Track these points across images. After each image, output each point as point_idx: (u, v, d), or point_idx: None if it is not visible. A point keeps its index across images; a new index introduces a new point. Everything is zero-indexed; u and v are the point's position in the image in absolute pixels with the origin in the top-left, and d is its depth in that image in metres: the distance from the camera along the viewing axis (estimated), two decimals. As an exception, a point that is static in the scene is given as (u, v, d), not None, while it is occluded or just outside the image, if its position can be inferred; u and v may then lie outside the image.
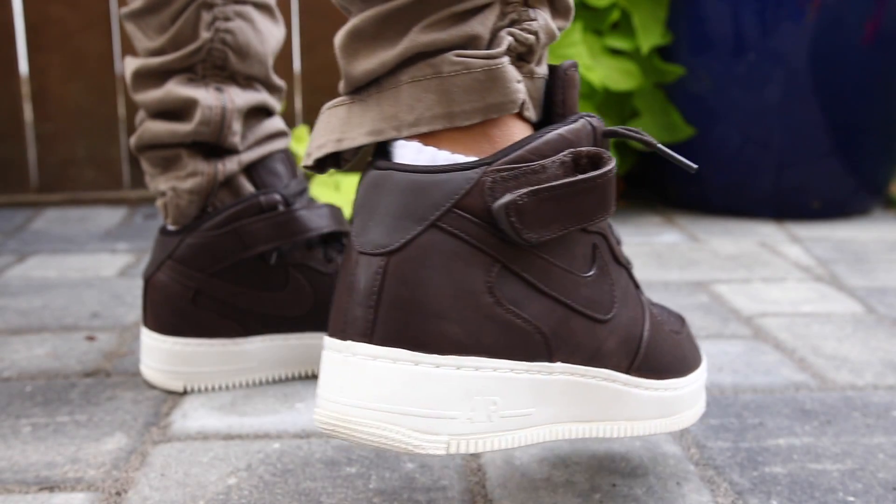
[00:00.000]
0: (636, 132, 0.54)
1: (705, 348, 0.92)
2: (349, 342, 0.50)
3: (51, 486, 0.63)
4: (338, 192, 1.49)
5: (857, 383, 0.83)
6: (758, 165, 1.53)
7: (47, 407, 0.77)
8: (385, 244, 0.50)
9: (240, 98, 0.80)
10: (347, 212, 1.26)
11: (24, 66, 1.64)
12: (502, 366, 0.51)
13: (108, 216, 1.57)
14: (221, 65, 0.79)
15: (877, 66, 1.48)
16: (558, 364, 0.53)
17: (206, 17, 0.77)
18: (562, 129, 0.52)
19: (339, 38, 0.54)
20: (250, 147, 0.82)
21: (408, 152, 0.51)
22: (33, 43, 1.63)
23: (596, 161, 0.52)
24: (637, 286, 0.59)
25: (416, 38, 0.50)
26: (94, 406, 0.77)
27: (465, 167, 0.49)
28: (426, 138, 0.51)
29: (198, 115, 0.77)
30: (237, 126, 0.79)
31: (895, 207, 1.67)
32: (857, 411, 0.77)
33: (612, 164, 0.52)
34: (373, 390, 0.49)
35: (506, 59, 0.50)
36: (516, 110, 0.51)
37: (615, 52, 1.52)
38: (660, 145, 0.54)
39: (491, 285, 0.50)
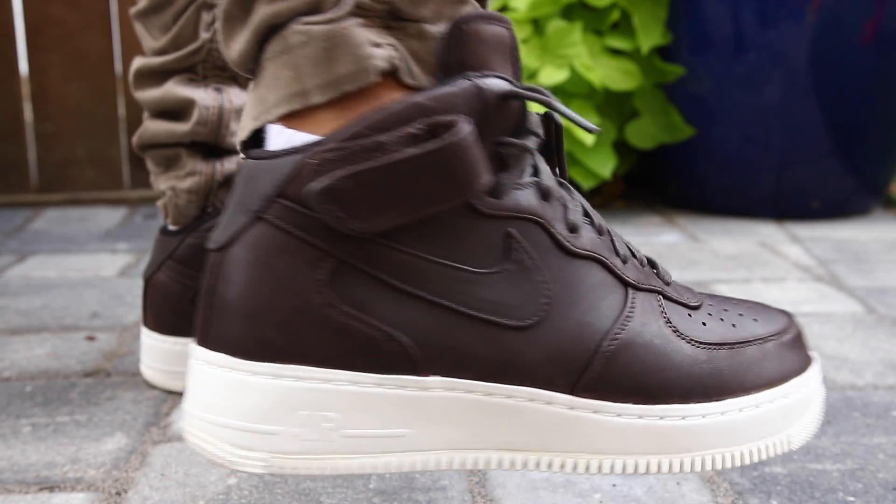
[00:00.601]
0: (538, 91, 0.45)
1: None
2: (191, 345, 0.46)
3: (51, 486, 0.63)
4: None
5: (857, 383, 0.83)
6: (758, 165, 1.53)
7: (47, 407, 0.77)
8: (218, 240, 0.45)
9: (239, 98, 0.80)
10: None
11: (24, 66, 1.64)
12: (337, 377, 0.44)
13: (108, 216, 1.57)
14: (222, 65, 0.79)
15: (877, 66, 1.49)
16: (434, 378, 0.45)
17: (206, 17, 0.77)
18: (420, 97, 0.43)
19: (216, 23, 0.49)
20: None
21: (271, 137, 0.45)
22: (33, 43, 1.63)
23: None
24: (641, 287, 0.49)
25: (263, 9, 0.44)
26: (94, 406, 0.77)
27: (294, 151, 0.43)
28: (291, 120, 0.45)
29: (195, 115, 0.77)
30: (236, 126, 0.79)
31: (895, 207, 1.67)
32: (857, 411, 0.77)
33: (454, 135, 0.42)
34: (200, 398, 0.45)
35: (351, 22, 0.43)
36: (372, 80, 0.43)
37: (615, 52, 1.52)
38: (560, 105, 0.46)
39: (321, 284, 0.43)
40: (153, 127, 0.80)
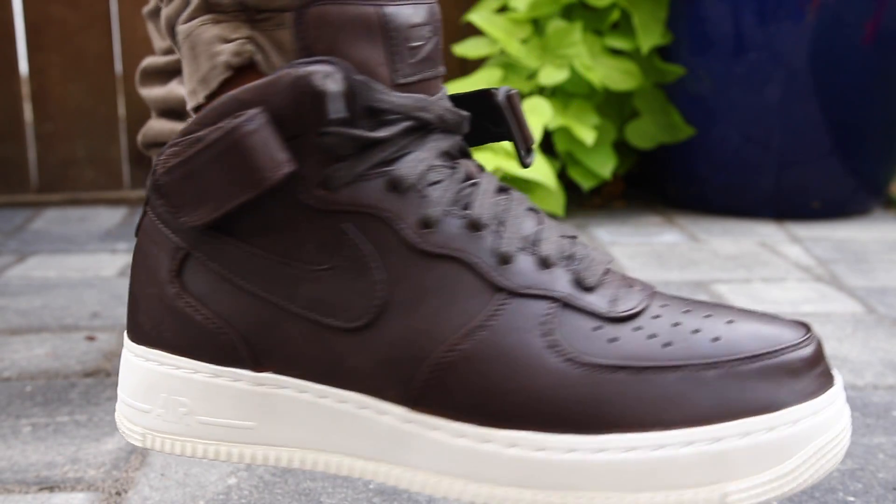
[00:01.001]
0: (365, 83, 0.41)
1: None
2: None
3: (51, 486, 0.63)
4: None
5: (857, 383, 0.83)
6: (758, 165, 1.53)
7: (47, 407, 0.77)
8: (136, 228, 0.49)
9: None
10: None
11: (24, 66, 1.64)
12: (184, 365, 0.45)
13: (108, 216, 1.57)
14: None
15: (877, 66, 1.48)
16: (267, 375, 0.44)
17: None
18: (239, 90, 0.41)
19: None
20: None
21: None
22: (33, 43, 1.63)
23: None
24: (521, 293, 0.41)
25: (164, 11, 0.47)
26: (94, 406, 0.77)
27: (167, 145, 0.44)
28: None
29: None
30: None
31: (895, 207, 1.67)
32: (857, 411, 0.77)
33: (231, 126, 0.40)
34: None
35: (203, 19, 0.44)
36: (222, 75, 0.43)
37: (615, 52, 1.52)
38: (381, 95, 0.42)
39: (174, 273, 0.45)
40: (157, 126, 0.80)
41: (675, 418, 0.38)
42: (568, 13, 1.51)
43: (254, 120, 0.40)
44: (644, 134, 1.55)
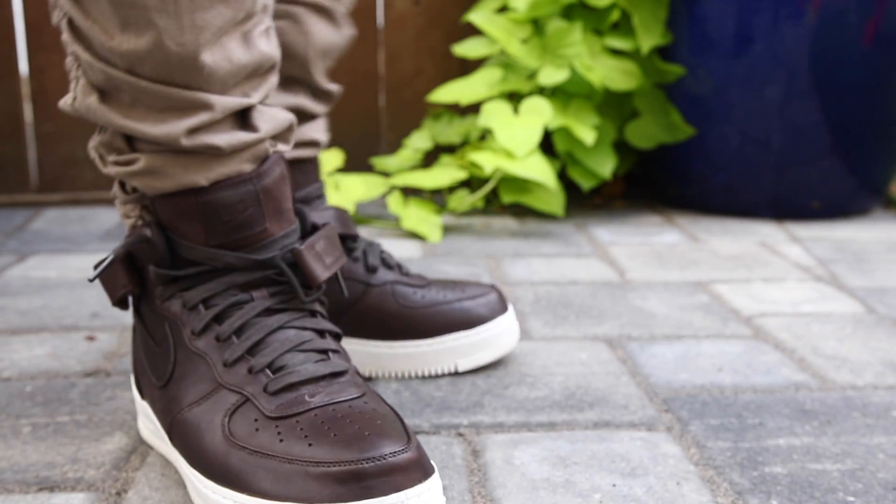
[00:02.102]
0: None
1: (705, 348, 0.92)
2: None
3: (51, 486, 0.63)
4: (338, 191, 1.49)
5: (857, 383, 0.83)
6: (758, 165, 1.53)
7: (47, 407, 0.77)
8: None
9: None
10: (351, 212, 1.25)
11: (24, 66, 1.64)
12: None
13: (108, 216, 1.58)
14: None
15: (877, 66, 1.48)
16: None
17: None
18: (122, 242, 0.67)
19: None
20: None
21: None
22: (33, 43, 1.62)
23: None
24: (228, 387, 0.60)
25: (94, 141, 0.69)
26: (94, 406, 0.77)
27: None
28: None
29: None
30: None
31: (895, 207, 1.67)
32: (857, 411, 0.77)
33: (110, 257, 0.66)
34: None
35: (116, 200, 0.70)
36: (129, 232, 0.69)
37: (615, 52, 1.52)
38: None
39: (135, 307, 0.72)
40: None
41: (255, 488, 0.55)
42: (568, 13, 1.51)
43: (113, 258, 0.66)
44: (644, 134, 1.55)
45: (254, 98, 0.63)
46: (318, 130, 0.85)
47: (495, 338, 0.84)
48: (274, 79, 0.66)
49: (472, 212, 1.58)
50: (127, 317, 1.01)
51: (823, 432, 0.72)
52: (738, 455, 0.68)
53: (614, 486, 0.63)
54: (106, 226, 1.50)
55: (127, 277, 0.66)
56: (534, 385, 0.81)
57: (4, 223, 1.51)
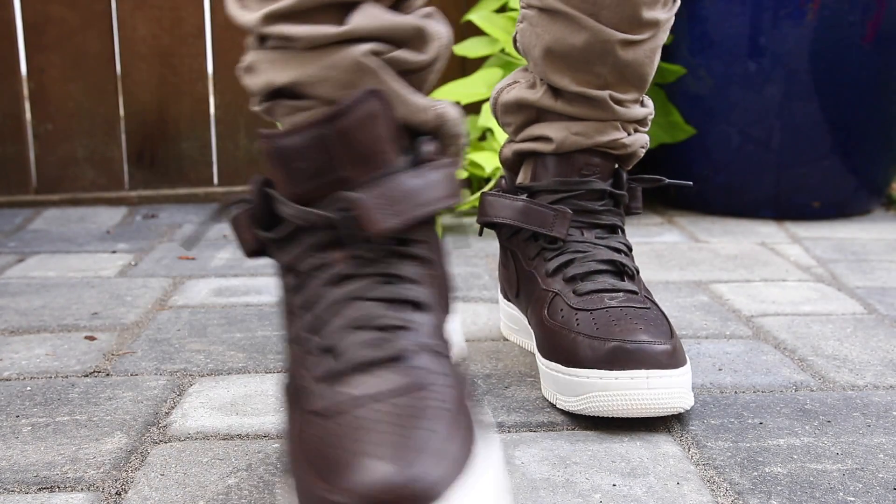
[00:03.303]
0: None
1: (705, 348, 0.92)
2: None
3: (51, 486, 0.63)
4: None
5: (857, 383, 0.83)
6: (758, 165, 1.53)
7: (47, 407, 0.77)
8: None
9: None
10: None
11: (24, 66, 1.64)
12: None
13: (108, 216, 1.57)
14: None
15: (877, 66, 1.48)
16: None
17: None
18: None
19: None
20: None
21: None
22: (33, 43, 1.62)
23: None
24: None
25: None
26: (94, 406, 0.77)
27: None
28: None
29: None
30: None
31: (895, 207, 1.67)
32: (857, 411, 0.77)
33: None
34: None
35: None
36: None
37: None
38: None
39: None
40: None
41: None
42: (568, 13, 1.51)
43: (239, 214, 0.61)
44: (644, 134, 1.55)
45: None
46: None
47: None
48: None
49: (472, 212, 1.58)
50: (127, 317, 1.01)
51: (823, 432, 0.72)
52: (738, 455, 0.68)
53: (614, 486, 0.63)
54: (106, 226, 1.50)
55: (250, 233, 0.60)
56: (534, 385, 0.81)
57: (4, 223, 1.51)
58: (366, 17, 0.55)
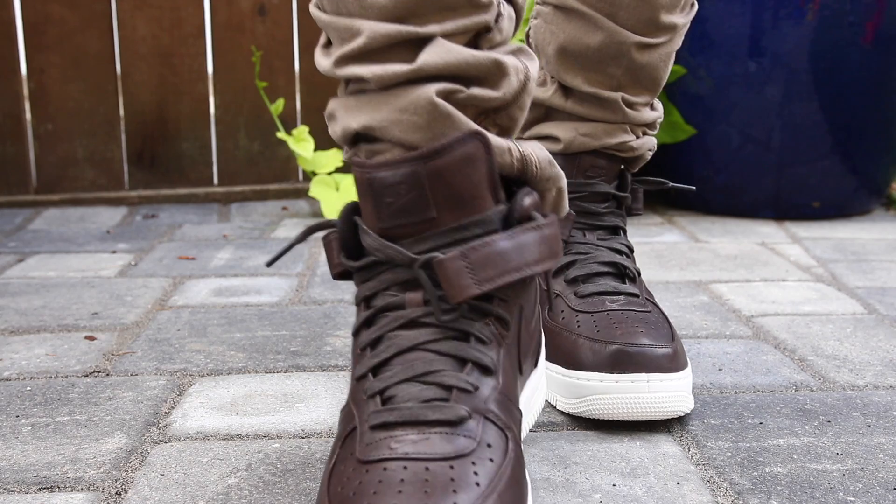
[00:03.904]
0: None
1: (705, 348, 0.92)
2: None
3: (51, 486, 0.63)
4: (337, 192, 1.49)
5: (857, 383, 0.83)
6: (758, 165, 1.53)
7: (47, 407, 0.77)
8: None
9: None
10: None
11: (24, 66, 1.64)
12: None
13: (108, 216, 1.57)
14: None
15: (877, 66, 1.48)
16: None
17: None
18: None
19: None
20: None
21: None
22: (33, 43, 1.63)
23: None
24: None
25: None
26: (94, 406, 0.77)
27: None
28: None
29: None
30: None
31: (895, 207, 1.67)
32: (857, 411, 0.77)
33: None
34: None
35: None
36: None
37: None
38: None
39: None
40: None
41: None
42: (568, 13, 1.51)
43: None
44: (644, 134, 1.55)
45: (430, 28, 0.53)
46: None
47: None
48: (482, 17, 0.55)
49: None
50: (127, 317, 1.01)
51: (823, 432, 0.72)
52: (738, 455, 0.68)
53: (614, 486, 0.63)
54: (106, 226, 1.50)
55: (337, 257, 0.59)
56: (534, 385, 0.81)
57: (4, 223, 1.51)
58: (436, 54, 0.53)
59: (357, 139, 0.57)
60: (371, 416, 0.52)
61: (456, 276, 0.52)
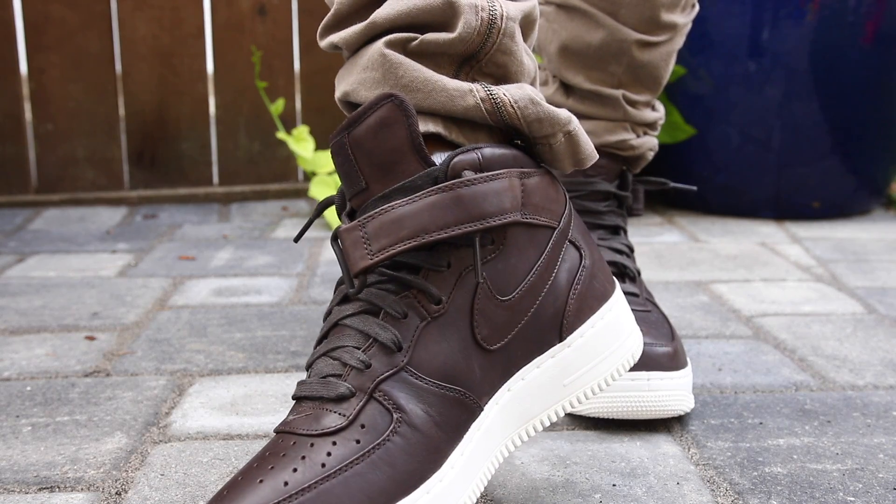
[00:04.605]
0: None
1: (705, 348, 0.92)
2: None
3: (51, 486, 0.63)
4: (336, 191, 1.49)
5: (857, 383, 0.83)
6: (758, 165, 1.53)
7: (47, 407, 0.77)
8: None
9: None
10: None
11: (24, 66, 1.64)
12: None
13: (108, 216, 1.57)
14: None
15: (877, 65, 1.48)
16: None
17: None
18: None
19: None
20: None
21: None
22: (33, 43, 1.62)
23: None
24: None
25: None
26: (94, 406, 0.77)
27: None
28: None
29: None
30: None
31: (895, 207, 1.67)
32: (857, 411, 0.77)
33: None
34: None
35: None
36: None
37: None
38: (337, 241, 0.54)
39: None
40: None
41: None
42: (568, 13, 1.51)
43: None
44: (644, 134, 1.55)
45: None
46: None
47: None
48: None
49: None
50: (127, 317, 1.01)
51: (823, 432, 0.72)
52: (738, 455, 0.68)
53: (614, 486, 0.63)
54: (106, 226, 1.50)
55: None
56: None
57: (4, 223, 1.51)
58: (388, 6, 0.52)
59: (348, 108, 0.58)
60: (296, 387, 0.53)
61: (352, 247, 0.51)
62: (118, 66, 1.66)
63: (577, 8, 0.80)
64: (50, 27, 1.62)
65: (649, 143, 0.85)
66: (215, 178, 1.73)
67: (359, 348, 0.52)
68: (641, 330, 0.73)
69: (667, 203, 1.67)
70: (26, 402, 0.77)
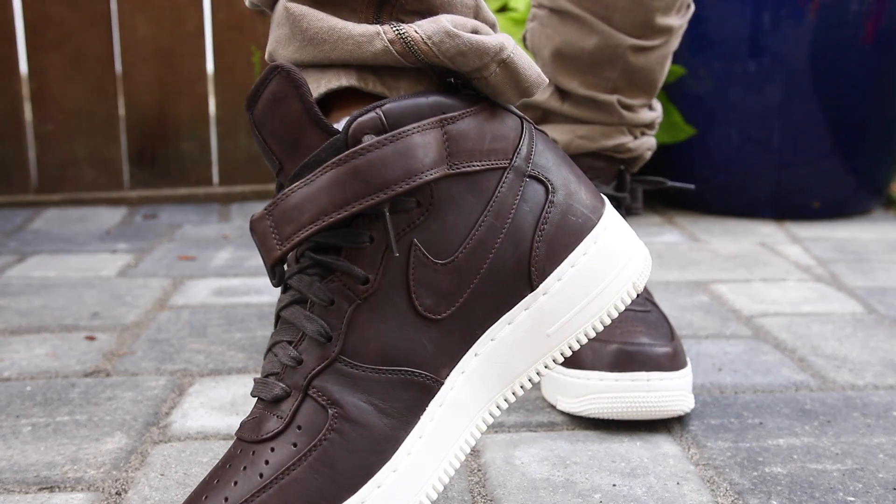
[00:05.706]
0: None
1: (705, 348, 0.92)
2: None
3: (51, 486, 0.63)
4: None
5: (857, 383, 0.83)
6: (758, 165, 1.53)
7: (47, 407, 0.77)
8: None
9: None
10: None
11: (24, 66, 1.64)
12: None
13: (108, 216, 1.57)
14: None
15: (877, 65, 1.48)
16: None
17: None
18: None
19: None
20: None
21: None
22: (33, 43, 1.62)
23: None
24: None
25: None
26: (94, 406, 0.77)
27: None
28: None
29: None
30: None
31: (895, 207, 1.67)
32: (857, 411, 0.77)
33: None
34: None
35: None
36: None
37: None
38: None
39: None
40: None
41: None
42: (568, 13, 1.51)
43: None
44: (644, 134, 1.55)
45: None
46: None
47: None
48: None
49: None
50: (127, 317, 1.01)
51: (823, 432, 0.72)
52: (738, 455, 0.68)
53: (614, 486, 0.63)
54: (106, 226, 1.50)
55: None
56: (534, 385, 0.81)
57: (4, 223, 1.51)
58: None
59: None
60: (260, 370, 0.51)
61: (263, 237, 0.48)
62: (118, 66, 1.66)
63: (570, 13, 0.79)
64: (50, 27, 1.62)
65: (647, 143, 0.85)
66: (215, 178, 1.73)
67: (291, 343, 0.49)
68: (640, 330, 0.73)
69: (666, 203, 1.67)
70: (26, 402, 0.78)
